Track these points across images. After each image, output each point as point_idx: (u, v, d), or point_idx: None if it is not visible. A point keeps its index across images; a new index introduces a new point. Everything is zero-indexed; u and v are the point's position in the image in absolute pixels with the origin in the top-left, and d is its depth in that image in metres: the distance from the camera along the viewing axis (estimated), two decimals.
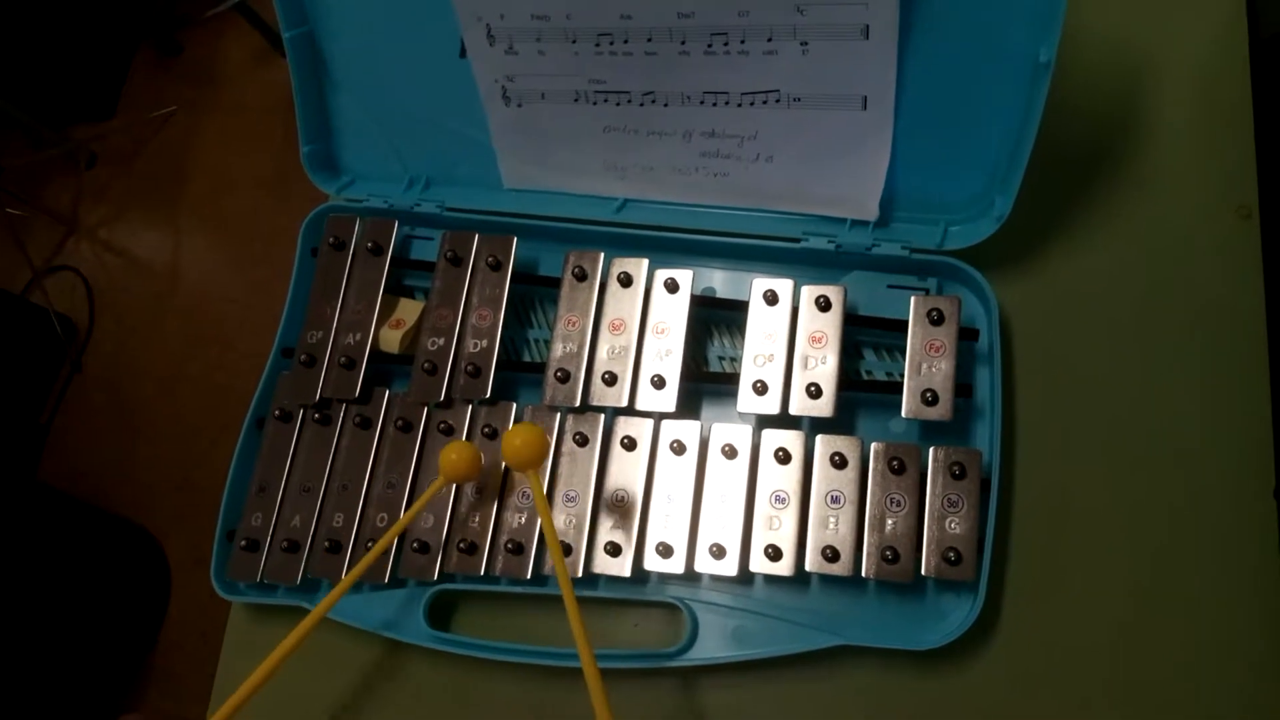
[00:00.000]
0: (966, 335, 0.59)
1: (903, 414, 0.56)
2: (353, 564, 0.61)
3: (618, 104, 0.63)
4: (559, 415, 0.62)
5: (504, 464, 0.61)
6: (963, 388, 0.57)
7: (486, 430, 0.62)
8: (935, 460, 0.55)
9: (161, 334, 1.84)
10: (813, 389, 0.58)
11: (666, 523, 0.58)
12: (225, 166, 1.95)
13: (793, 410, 0.58)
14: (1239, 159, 0.63)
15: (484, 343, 0.64)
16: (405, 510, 0.61)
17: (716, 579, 0.59)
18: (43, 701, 1.41)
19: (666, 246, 0.66)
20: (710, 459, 0.59)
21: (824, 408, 0.58)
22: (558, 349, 0.63)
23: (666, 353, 0.61)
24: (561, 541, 0.59)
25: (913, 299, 0.58)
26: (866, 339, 0.63)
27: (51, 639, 1.42)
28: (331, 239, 0.69)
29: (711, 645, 0.57)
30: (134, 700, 1.55)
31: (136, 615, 1.58)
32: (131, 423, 1.77)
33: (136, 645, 1.57)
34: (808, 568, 0.55)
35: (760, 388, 0.59)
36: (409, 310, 0.68)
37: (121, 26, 2.08)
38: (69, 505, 1.61)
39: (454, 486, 0.61)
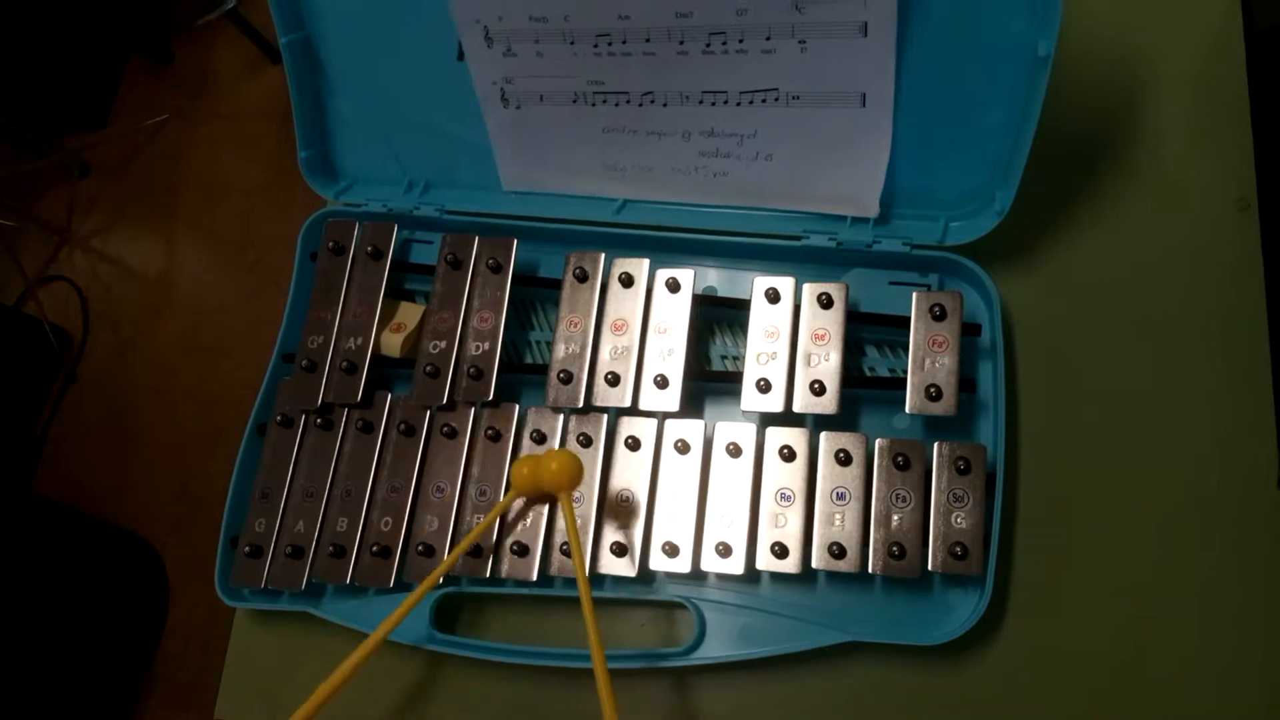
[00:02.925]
0: (969, 330, 0.59)
1: (906, 410, 0.56)
2: (358, 568, 0.61)
3: (616, 105, 0.63)
4: (562, 416, 0.62)
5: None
6: (966, 383, 0.57)
7: (490, 433, 0.62)
8: (940, 455, 0.55)
9: (157, 343, 1.83)
10: (816, 386, 0.58)
11: (672, 522, 0.58)
12: (218, 175, 1.95)
13: (796, 408, 0.58)
14: (1237, 151, 0.63)
15: (486, 345, 0.64)
16: (410, 511, 0.62)
17: (723, 578, 0.59)
18: (43, 714, 1.41)
19: (667, 246, 0.66)
20: (715, 458, 0.59)
21: (828, 405, 0.58)
22: (560, 350, 0.63)
23: (669, 352, 0.61)
24: (564, 544, 0.58)
25: (915, 295, 0.58)
26: (869, 336, 0.63)
27: (50, 651, 1.41)
28: (331, 243, 0.68)
29: (719, 644, 0.57)
30: (134, 711, 1.54)
31: (136, 626, 1.57)
32: (128, 433, 1.76)
33: (136, 656, 1.56)
34: (814, 565, 0.55)
35: (763, 386, 0.59)
36: (410, 314, 0.68)
37: (113, 35, 2.07)
38: (65, 516, 1.60)
39: (458, 489, 0.61)
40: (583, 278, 0.64)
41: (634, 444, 0.60)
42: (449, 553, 0.60)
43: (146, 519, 1.68)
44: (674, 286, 0.63)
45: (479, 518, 0.60)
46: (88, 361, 1.86)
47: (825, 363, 0.59)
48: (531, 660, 0.58)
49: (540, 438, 0.62)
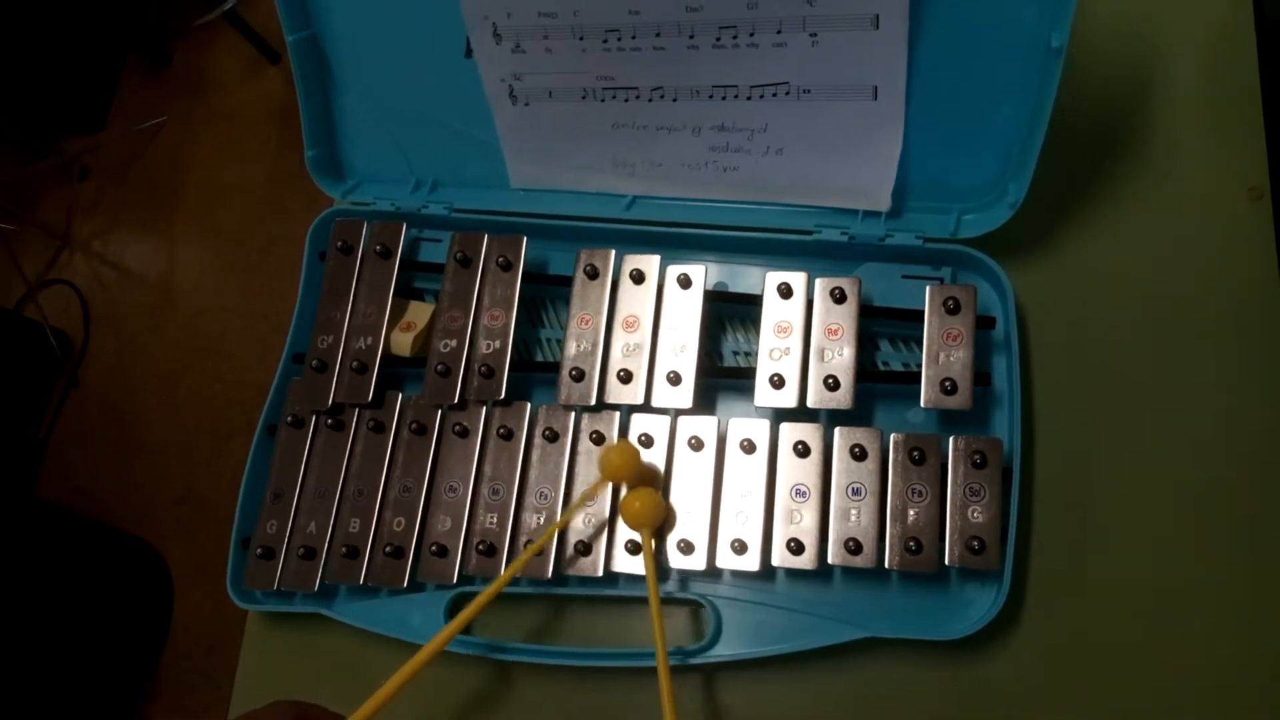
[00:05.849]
0: (983, 323, 0.58)
1: (921, 404, 0.56)
2: (371, 568, 0.61)
3: (626, 100, 0.63)
4: (574, 414, 0.62)
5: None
6: (981, 376, 0.57)
7: (501, 431, 0.62)
8: (955, 449, 0.55)
9: (158, 345, 1.83)
10: (830, 381, 0.58)
11: (686, 519, 0.58)
12: (218, 176, 1.94)
13: (810, 403, 0.58)
14: (1249, 141, 0.63)
15: (496, 343, 0.64)
16: (423, 510, 0.61)
17: (738, 574, 0.58)
18: (48, 718, 1.40)
19: (678, 242, 0.66)
20: (729, 454, 0.59)
21: (842, 400, 0.57)
22: (571, 348, 0.62)
23: (681, 349, 0.61)
24: (579, 541, 0.58)
25: (928, 288, 0.58)
26: (882, 330, 0.63)
27: (55, 655, 1.41)
28: (339, 243, 0.68)
29: (735, 641, 0.57)
30: (139, 714, 1.54)
31: (140, 629, 1.57)
32: (130, 436, 1.76)
33: (141, 659, 1.56)
34: (830, 561, 0.55)
35: (777, 381, 0.58)
36: (419, 313, 0.67)
37: (110, 37, 2.07)
38: (68, 520, 1.60)
39: (470, 488, 0.61)
40: (593, 275, 0.64)
41: (647, 441, 0.60)
42: (462, 549, 0.60)
43: (149, 522, 1.67)
44: (685, 283, 0.62)
45: (492, 517, 0.60)
46: (89, 365, 1.86)
47: (839, 357, 0.58)
48: (546, 659, 0.58)
49: (552, 436, 0.61)
